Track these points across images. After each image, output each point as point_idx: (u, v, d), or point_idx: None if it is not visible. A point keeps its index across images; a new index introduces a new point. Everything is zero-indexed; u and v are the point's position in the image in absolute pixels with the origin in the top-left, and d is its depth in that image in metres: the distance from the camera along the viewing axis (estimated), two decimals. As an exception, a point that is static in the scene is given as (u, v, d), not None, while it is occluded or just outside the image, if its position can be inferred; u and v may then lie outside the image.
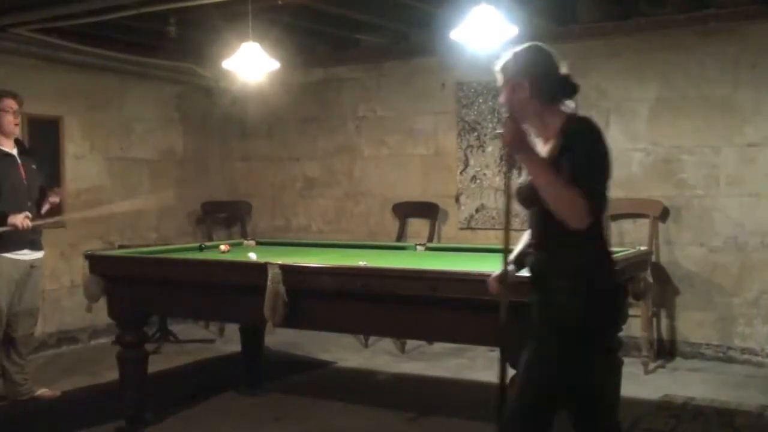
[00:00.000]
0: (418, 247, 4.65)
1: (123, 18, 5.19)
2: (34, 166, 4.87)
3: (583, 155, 2.43)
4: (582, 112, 6.00)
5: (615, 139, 5.86)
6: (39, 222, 4.72)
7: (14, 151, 4.79)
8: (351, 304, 3.48)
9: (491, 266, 3.51)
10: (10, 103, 4.76)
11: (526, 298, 2.65)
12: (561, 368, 2.50)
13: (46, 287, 6.15)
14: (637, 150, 5.81)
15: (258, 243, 5.21)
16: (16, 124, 4.80)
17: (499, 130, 2.55)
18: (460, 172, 6.50)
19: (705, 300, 5.61)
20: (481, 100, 6.39)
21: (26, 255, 4.73)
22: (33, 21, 5.30)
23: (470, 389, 5.06)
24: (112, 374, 4.51)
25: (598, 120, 6.44)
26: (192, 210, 7.38)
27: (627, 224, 5.83)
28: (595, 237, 2.54)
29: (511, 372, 3.13)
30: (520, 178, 2.65)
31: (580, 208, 2.36)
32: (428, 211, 6.56)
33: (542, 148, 2.55)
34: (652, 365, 5.40)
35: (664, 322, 5.74)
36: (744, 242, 5.47)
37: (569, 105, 2.63)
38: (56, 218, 5.12)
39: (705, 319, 5.62)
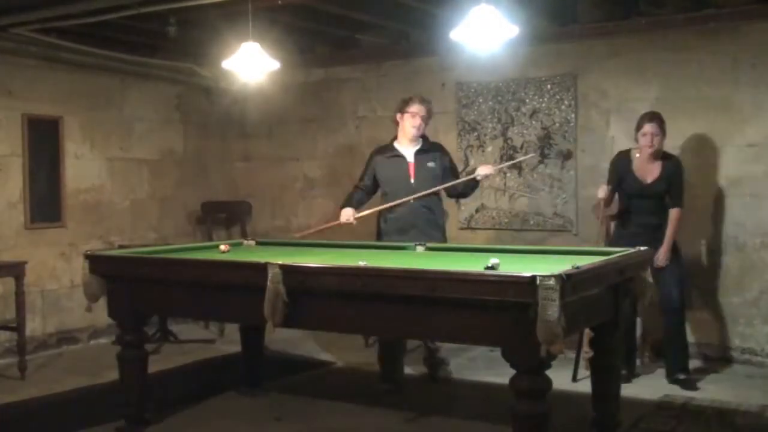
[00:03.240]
0: (418, 247, 4.64)
1: (123, 18, 5.19)
2: (430, 164, 5.02)
3: None
4: (582, 112, 6.11)
5: (615, 139, 5.88)
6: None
7: (409, 152, 5.02)
8: (351, 304, 3.48)
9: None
10: (417, 108, 5.00)
11: None
12: None
13: (46, 287, 6.17)
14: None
15: (258, 243, 5.20)
16: (414, 127, 5.00)
17: None
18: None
19: (705, 300, 5.61)
20: (481, 100, 6.39)
21: None
22: (33, 21, 5.30)
23: (470, 389, 5.06)
24: (112, 374, 4.51)
25: (598, 120, 6.40)
26: (192, 210, 7.38)
27: (627, 224, 5.82)
28: None
29: (510, 372, 3.14)
30: None
31: None
32: (428, 211, 6.55)
33: None
34: (652, 365, 5.40)
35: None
36: (744, 242, 5.47)
37: None
38: None
39: (705, 319, 5.61)
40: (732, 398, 4.63)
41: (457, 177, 5.18)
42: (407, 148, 5.09)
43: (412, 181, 5.02)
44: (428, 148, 5.13)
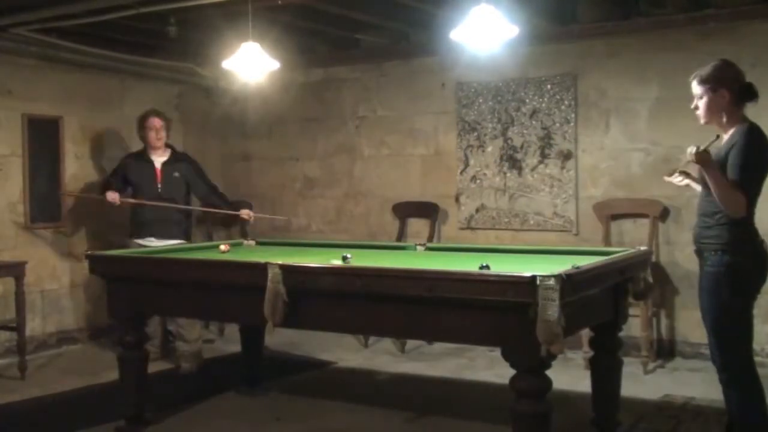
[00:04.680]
0: (418, 247, 4.65)
1: (123, 18, 5.19)
2: (176, 174, 5.72)
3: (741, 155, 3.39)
4: (582, 112, 6.10)
5: (615, 139, 5.88)
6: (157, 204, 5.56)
7: (159, 160, 5.74)
8: (351, 304, 3.48)
9: (491, 266, 3.50)
10: (154, 122, 5.71)
11: None
12: None
13: (46, 287, 6.17)
14: (637, 150, 5.81)
15: (258, 243, 5.21)
16: (159, 139, 5.74)
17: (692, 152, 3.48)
18: (460, 172, 6.50)
19: (705, 300, 5.60)
20: (481, 100, 6.39)
21: (152, 242, 5.48)
22: (33, 21, 5.30)
23: (470, 389, 5.06)
24: (112, 374, 4.52)
25: (598, 120, 6.39)
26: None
27: (627, 224, 5.83)
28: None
29: (510, 372, 3.14)
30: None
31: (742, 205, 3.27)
32: (428, 211, 6.56)
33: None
34: (652, 365, 5.40)
35: (664, 322, 5.73)
36: (744, 242, 5.46)
37: None
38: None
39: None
40: (732, 398, 4.62)
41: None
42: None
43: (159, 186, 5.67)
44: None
